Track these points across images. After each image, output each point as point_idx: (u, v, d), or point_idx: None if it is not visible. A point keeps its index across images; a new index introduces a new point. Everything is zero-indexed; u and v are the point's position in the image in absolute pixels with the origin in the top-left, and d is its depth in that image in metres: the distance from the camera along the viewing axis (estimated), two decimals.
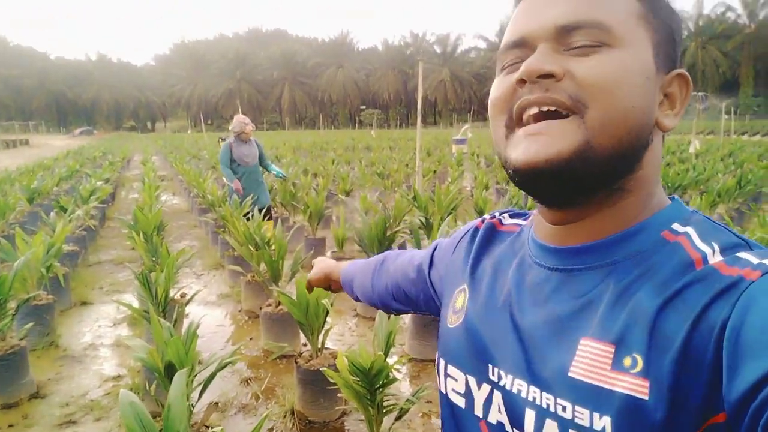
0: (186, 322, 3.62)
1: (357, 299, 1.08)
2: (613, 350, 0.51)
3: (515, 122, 0.57)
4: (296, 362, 3.10)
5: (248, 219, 5.25)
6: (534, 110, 0.55)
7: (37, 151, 29.80)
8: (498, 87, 0.60)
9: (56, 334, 4.21)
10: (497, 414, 0.61)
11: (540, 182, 0.56)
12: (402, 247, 5.24)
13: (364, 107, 77.58)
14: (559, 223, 0.61)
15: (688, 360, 0.47)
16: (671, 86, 0.58)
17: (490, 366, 0.63)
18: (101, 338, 4.31)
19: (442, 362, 0.71)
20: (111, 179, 11.73)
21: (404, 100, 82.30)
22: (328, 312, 3.03)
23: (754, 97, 56.35)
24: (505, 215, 0.78)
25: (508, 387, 0.60)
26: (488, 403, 0.63)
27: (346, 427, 3.03)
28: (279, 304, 3.93)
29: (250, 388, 3.48)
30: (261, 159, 6.33)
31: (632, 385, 0.49)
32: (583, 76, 0.53)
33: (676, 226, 0.57)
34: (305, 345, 3.74)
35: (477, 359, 0.65)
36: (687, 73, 0.59)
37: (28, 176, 10.78)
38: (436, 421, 3.05)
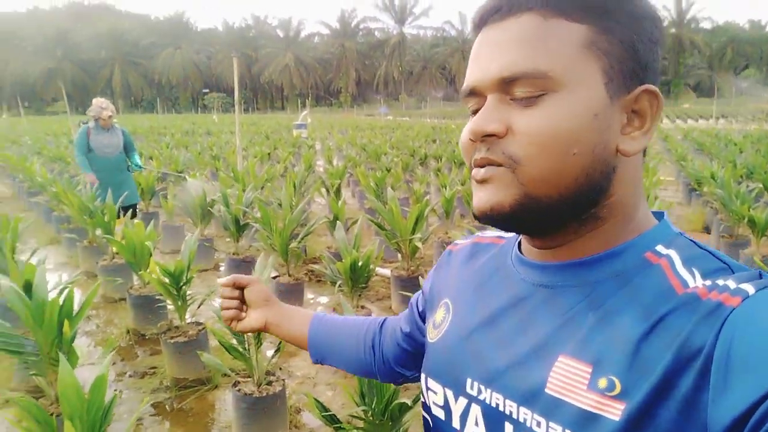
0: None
1: (321, 362, 0.97)
2: (590, 370, 0.52)
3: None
4: (128, 292, 4.15)
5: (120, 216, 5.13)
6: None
7: None
8: (463, 134, 0.60)
9: None
10: (474, 427, 0.63)
11: (498, 225, 0.59)
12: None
13: (207, 90, 75.16)
14: (541, 247, 0.62)
15: (667, 386, 0.47)
16: (638, 103, 0.56)
17: (469, 380, 0.64)
18: None
19: (423, 376, 0.73)
20: None
21: (249, 84, 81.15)
22: (151, 253, 4.11)
23: None
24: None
25: (487, 401, 0.61)
26: (464, 416, 0.64)
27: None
28: (113, 257, 4.88)
29: (92, 321, 4.44)
30: (126, 150, 5.75)
31: (606, 406, 0.50)
32: (522, 133, 0.54)
33: (659, 247, 0.56)
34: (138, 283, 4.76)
35: (454, 372, 0.66)
36: (654, 87, 0.55)
37: None
38: None
